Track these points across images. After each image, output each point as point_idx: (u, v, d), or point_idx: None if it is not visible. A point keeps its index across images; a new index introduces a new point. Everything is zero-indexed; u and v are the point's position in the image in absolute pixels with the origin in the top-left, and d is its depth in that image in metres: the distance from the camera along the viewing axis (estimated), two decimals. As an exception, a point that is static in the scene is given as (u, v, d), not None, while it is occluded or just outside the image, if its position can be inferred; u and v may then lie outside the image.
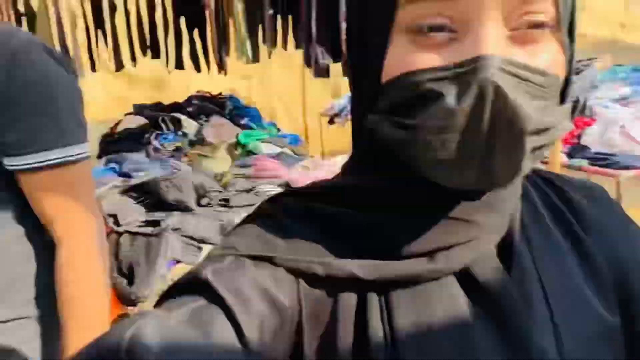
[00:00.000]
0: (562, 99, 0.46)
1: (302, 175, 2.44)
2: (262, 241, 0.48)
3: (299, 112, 6.92)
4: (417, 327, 0.44)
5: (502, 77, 0.39)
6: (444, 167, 0.42)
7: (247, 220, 0.52)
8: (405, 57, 0.42)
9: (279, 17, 5.77)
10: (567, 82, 0.45)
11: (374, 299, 0.46)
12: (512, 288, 0.46)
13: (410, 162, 0.45)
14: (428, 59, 0.41)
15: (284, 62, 8.24)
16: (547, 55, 0.42)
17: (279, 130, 4.67)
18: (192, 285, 0.45)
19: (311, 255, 0.47)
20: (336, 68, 5.68)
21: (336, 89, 7.92)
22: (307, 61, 5.56)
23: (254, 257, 0.46)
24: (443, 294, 0.46)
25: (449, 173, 0.43)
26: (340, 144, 7.43)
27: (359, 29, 0.47)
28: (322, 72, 5.41)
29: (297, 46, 5.94)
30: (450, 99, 0.40)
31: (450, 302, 0.45)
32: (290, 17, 5.78)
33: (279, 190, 2.51)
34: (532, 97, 0.40)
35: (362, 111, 0.48)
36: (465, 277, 0.47)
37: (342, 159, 2.75)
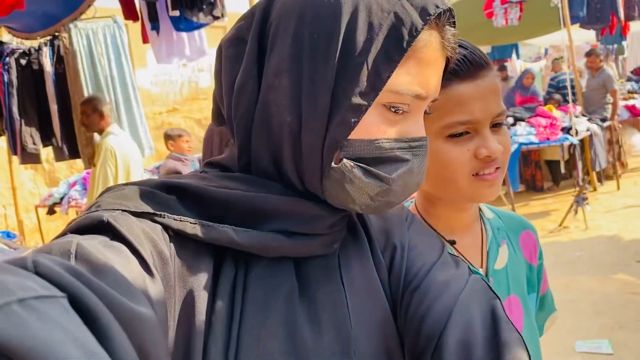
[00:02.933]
0: None
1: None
2: (144, 202, 0.53)
3: (9, 206, 6.10)
4: (261, 310, 0.55)
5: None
6: (387, 204, 0.59)
7: (125, 189, 0.55)
8: (378, 125, 0.56)
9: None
10: None
11: (229, 270, 0.56)
12: (332, 282, 0.60)
13: (345, 199, 0.58)
14: (392, 131, 0.57)
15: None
16: None
17: (-12, 228, 4.06)
18: (90, 227, 0.49)
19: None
20: (49, 153, 5.22)
21: (51, 176, 7.25)
22: (14, 148, 4.99)
23: (138, 214, 0.52)
24: (285, 274, 0.58)
25: (382, 208, 0.59)
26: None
27: (335, 82, 0.55)
28: (33, 158, 4.91)
29: (-2, 133, 5.30)
30: (414, 165, 0.58)
31: (288, 284, 0.58)
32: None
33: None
34: None
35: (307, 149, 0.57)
36: (300, 263, 0.60)
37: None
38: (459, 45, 0.83)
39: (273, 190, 0.58)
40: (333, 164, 0.56)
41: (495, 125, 0.85)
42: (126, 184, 0.56)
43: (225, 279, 0.55)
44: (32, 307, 0.33)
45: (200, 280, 0.53)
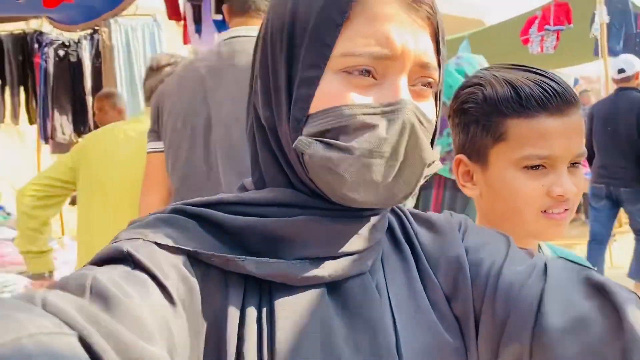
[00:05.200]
0: (432, 144, 0.58)
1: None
2: (166, 233, 0.52)
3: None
4: (293, 337, 0.51)
5: (415, 120, 0.52)
6: (362, 187, 0.51)
7: (146, 219, 0.55)
8: (338, 92, 0.52)
9: (7, 90, 5.18)
10: (435, 131, 0.59)
11: (254, 297, 0.53)
12: (372, 303, 0.56)
13: (328, 184, 0.52)
14: (357, 97, 0.52)
15: (12, 140, 7.32)
16: (431, 109, 0.56)
17: (8, 214, 4.12)
18: (111, 258, 0.49)
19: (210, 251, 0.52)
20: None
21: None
22: (45, 136, 5.06)
23: (160, 244, 0.51)
24: (316, 299, 0.54)
25: (363, 193, 0.52)
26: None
27: (288, 64, 0.54)
28: (62, 148, 4.97)
29: (31, 121, 5.38)
30: (382, 130, 0.51)
31: (321, 309, 0.53)
32: (22, 89, 5.25)
33: (21, 278, 2.17)
34: (425, 138, 0.54)
35: (276, 137, 0.56)
36: (334, 287, 0.55)
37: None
38: (552, 79, 0.81)
39: (285, 196, 0.55)
40: (293, 144, 0.52)
41: (573, 165, 0.84)
42: (151, 218, 0.56)
43: (250, 306, 0.53)
44: (41, 342, 0.35)
45: (226, 308, 0.52)
